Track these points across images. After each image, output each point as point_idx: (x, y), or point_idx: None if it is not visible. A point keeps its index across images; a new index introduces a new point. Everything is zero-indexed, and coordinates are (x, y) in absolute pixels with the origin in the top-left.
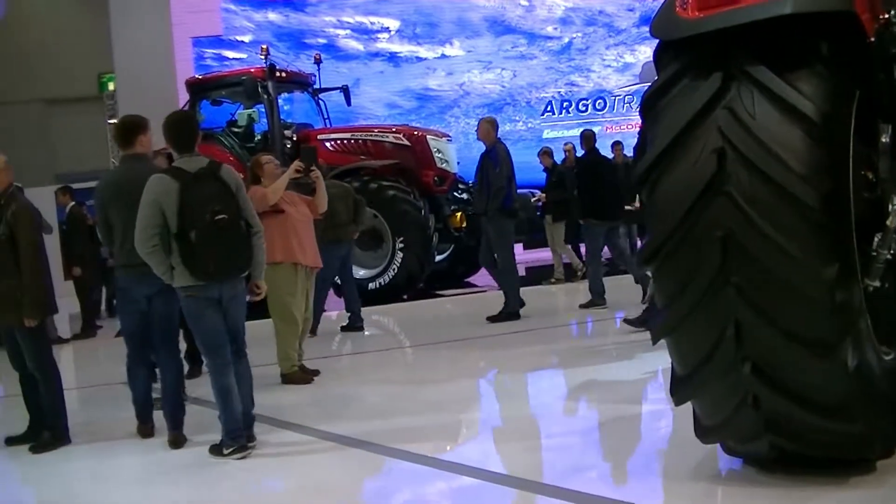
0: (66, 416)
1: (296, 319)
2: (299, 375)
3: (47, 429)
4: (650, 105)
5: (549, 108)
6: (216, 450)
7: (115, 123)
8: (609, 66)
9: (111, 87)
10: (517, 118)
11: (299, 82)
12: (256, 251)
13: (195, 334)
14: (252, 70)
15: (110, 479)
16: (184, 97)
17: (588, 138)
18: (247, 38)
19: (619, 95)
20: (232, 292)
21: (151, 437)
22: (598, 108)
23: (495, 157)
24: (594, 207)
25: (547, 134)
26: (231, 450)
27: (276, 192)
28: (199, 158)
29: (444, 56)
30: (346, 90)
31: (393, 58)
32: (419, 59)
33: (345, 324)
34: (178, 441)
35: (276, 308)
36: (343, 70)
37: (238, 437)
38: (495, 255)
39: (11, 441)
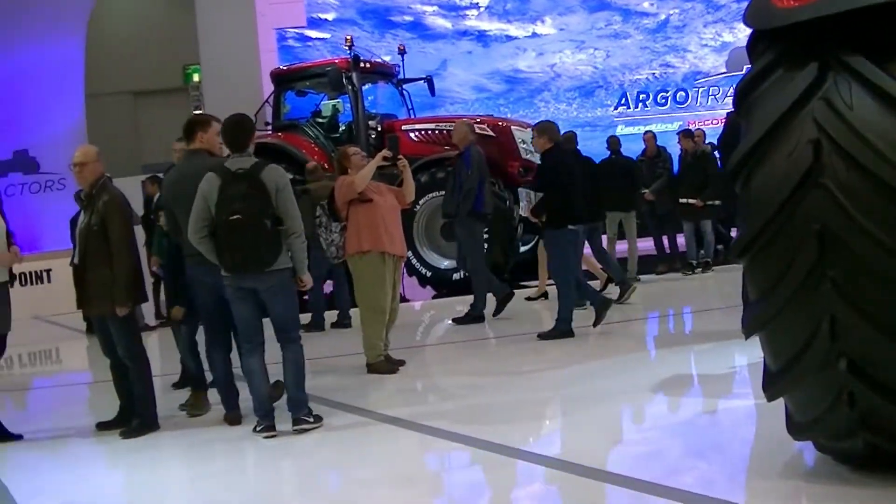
0: (155, 403)
1: (383, 309)
2: (384, 365)
3: (137, 415)
4: (744, 95)
5: (623, 101)
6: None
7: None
8: (706, 45)
9: (196, 78)
10: (609, 102)
11: (383, 73)
12: (294, 250)
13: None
14: (337, 61)
15: (197, 466)
16: (268, 88)
17: (570, 140)
18: (330, 17)
19: (703, 87)
20: (266, 285)
21: (238, 424)
22: (678, 100)
23: (468, 159)
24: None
25: (621, 130)
26: (260, 428)
27: (362, 180)
28: (247, 159)
29: (534, 35)
30: (430, 81)
31: (482, 37)
32: (509, 38)
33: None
34: (232, 420)
35: (363, 297)
36: (430, 51)
37: (265, 415)
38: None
39: (102, 426)
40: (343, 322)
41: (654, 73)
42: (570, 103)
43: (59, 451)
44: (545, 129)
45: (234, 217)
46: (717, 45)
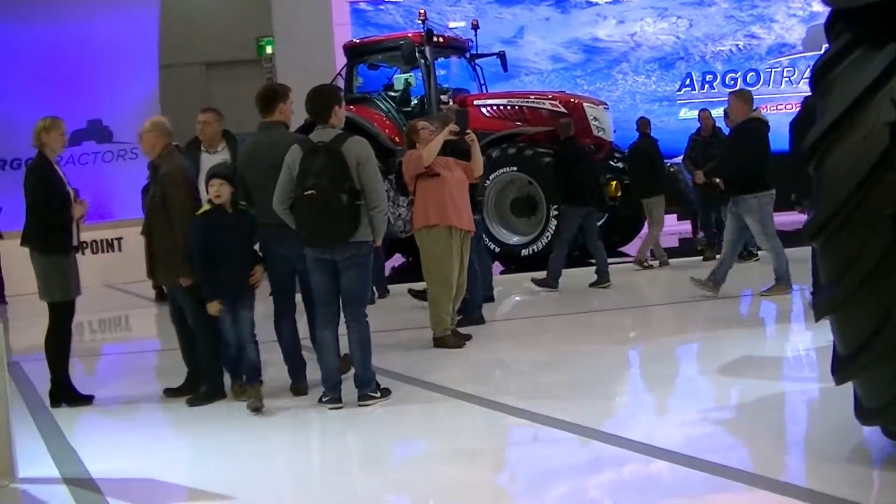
0: (222, 371)
1: (451, 283)
2: (451, 340)
3: (203, 383)
4: (821, 76)
5: (688, 83)
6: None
7: (259, 90)
8: (794, 14)
9: (269, 50)
10: (695, 73)
11: (456, 47)
12: (375, 223)
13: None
14: (410, 34)
15: (262, 436)
16: (341, 61)
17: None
18: None
19: (777, 68)
20: (344, 257)
21: (305, 394)
22: (749, 81)
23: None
24: (572, 193)
25: (684, 114)
26: (326, 399)
27: (430, 154)
28: (330, 131)
29: (616, 1)
30: (502, 56)
31: (561, 2)
32: (589, 3)
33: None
34: (298, 391)
35: (430, 271)
36: (507, 16)
37: (332, 387)
38: None
39: (170, 393)
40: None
41: (738, 45)
42: (650, 76)
43: (128, 417)
44: (748, 97)
45: (309, 192)
46: (804, 16)
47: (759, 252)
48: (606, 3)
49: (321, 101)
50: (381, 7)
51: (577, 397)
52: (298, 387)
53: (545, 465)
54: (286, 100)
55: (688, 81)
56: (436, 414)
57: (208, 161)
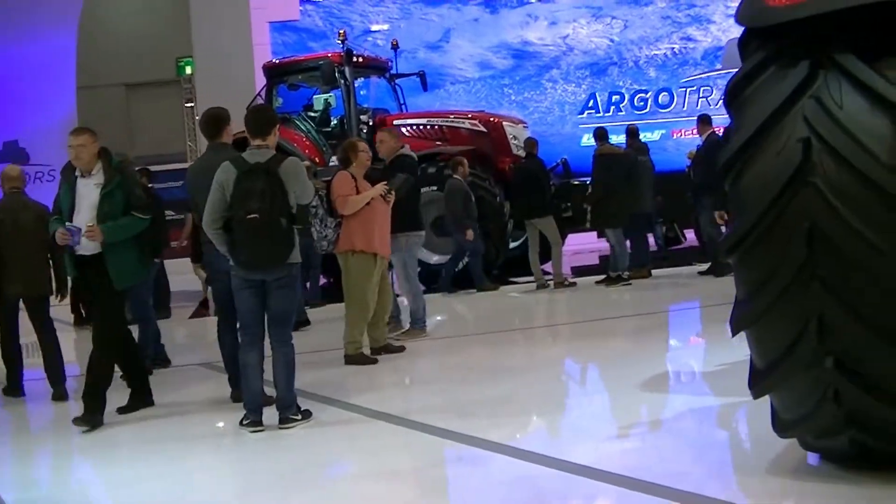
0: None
1: (369, 307)
2: (362, 357)
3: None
4: (735, 93)
5: (591, 105)
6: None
7: (203, 115)
8: (732, 15)
9: (189, 70)
10: (621, 83)
11: (376, 67)
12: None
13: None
14: (329, 55)
15: (180, 460)
16: (261, 81)
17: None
18: None
19: (692, 87)
20: (275, 277)
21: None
22: (661, 103)
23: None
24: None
25: (585, 141)
26: (247, 422)
27: (355, 206)
28: (266, 151)
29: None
30: (422, 76)
31: (490, 2)
32: (520, 2)
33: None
34: (239, 397)
35: (351, 293)
36: (433, 17)
37: (254, 410)
38: None
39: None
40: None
41: (673, 48)
42: (580, 83)
43: (43, 444)
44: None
45: (252, 216)
46: None
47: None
48: (538, 1)
49: (264, 118)
50: (302, 8)
51: (499, 415)
52: (238, 394)
53: (467, 483)
54: (230, 122)
55: (591, 103)
56: (357, 434)
57: (86, 186)
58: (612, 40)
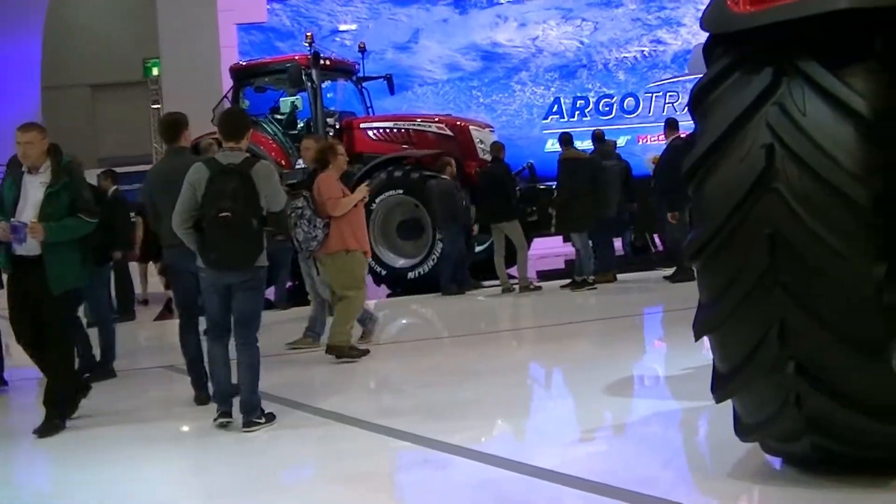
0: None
1: (361, 302)
2: (351, 351)
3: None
4: (699, 99)
5: (556, 110)
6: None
7: (161, 120)
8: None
9: (155, 72)
10: (590, 86)
11: (343, 70)
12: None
13: (205, 306)
14: (296, 57)
15: (146, 464)
16: (228, 83)
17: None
18: None
19: (658, 93)
20: (241, 280)
21: (207, 404)
22: (626, 109)
23: None
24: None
25: (550, 146)
26: (217, 414)
27: (344, 207)
28: (238, 154)
29: (518, 1)
30: (389, 79)
31: (459, 2)
32: (490, 2)
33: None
34: (202, 400)
35: (349, 290)
36: (401, 18)
37: (223, 400)
38: None
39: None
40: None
41: (643, 51)
42: (549, 86)
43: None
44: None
45: (224, 215)
46: None
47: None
48: (508, 1)
49: (239, 121)
50: (269, 7)
51: (465, 419)
52: (201, 396)
53: (433, 487)
54: (188, 127)
55: (556, 108)
56: (323, 437)
57: (31, 183)
58: (581, 42)
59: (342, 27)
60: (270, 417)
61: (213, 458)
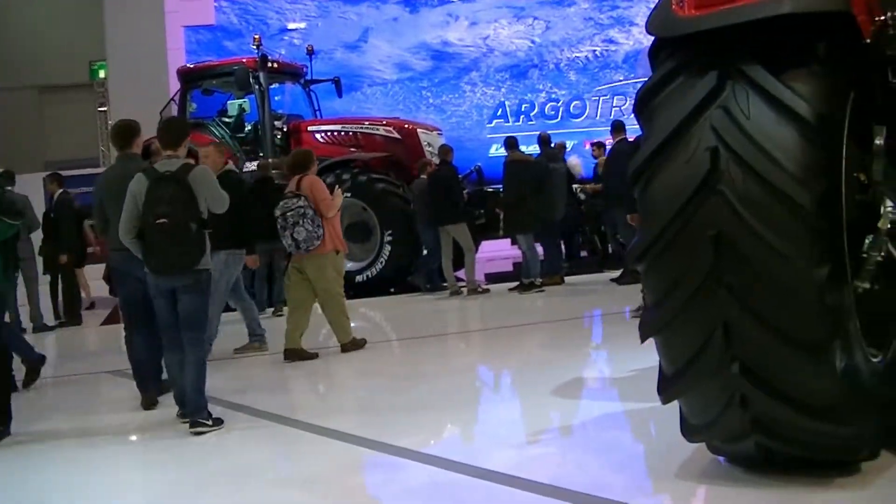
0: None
1: (344, 299)
2: (359, 341)
3: None
4: (644, 103)
5: (500, 113)
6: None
7: (114, 126)
8: None
9: (102, 74)
10: (541, 86)
11: (291, 73)
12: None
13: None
14: (244, 60)
15: (90, 469)
16: (175, 86)
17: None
18: None
19: (605, 96)
20: (184, 283)
21: (154, 407)
22: (573, 112)
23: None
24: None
25: (494, 151)
26: (180, 414)
27: (335, 210)
28: (175, 161)
29: None
30: (337, 82)
31: (410, 0)
32: (442, 0)
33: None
34: (148, 403)
35: (333, 290)
36: (351, 16)
37: (185, 406)
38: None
39: None
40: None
41: (595, 50)
42: (500, 87)
43: None
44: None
45: (161, 220)
46: None
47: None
48: (459, 1)
49: (177, 131)
50: (217, 4)
51: (414, 422)
52: (146, 399)
53: (382, 490)
54: (140, 133)
55: (500, 112)
56: (272, 441)
57: None
58: (533, 42)
59: (291, 25)
60: (218, 422)
61: (159, 462)
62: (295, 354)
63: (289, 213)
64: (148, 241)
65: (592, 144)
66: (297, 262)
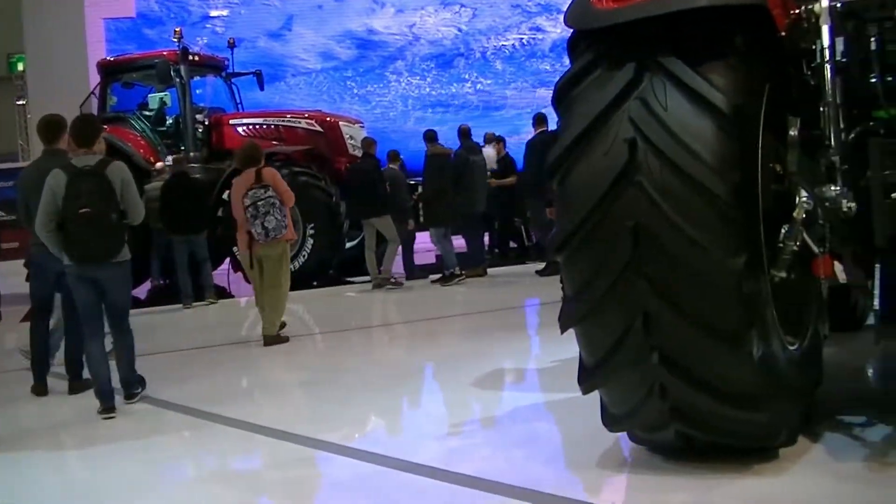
0: None
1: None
2: (282, 337)
3: None
4: (563, 94)
5: (421, 106)
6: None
7: (41, 121)
8: None
9: (20, 67)
10: (467, 76)
11: (213, 66)
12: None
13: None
14: (165, 53)
15: (12, 458)
16: (95, 79)
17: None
18: None
19: (529, 87)
20: (108, 274)
21: (45, 395)
22: (495, 106)
23: None
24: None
25: (414, 146)
26: (102, 409)
27: (293, 200)
28: (93, 156)
29: None
30: (259, 75)
31: None
32: None
33: None
34: (73, 389)
35: (284, 278)
36: (275, 3)
37: (106, 397)
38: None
39: None
40: None
41: (521, 39)
42: (425, 76)
43: None
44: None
45: (84, 210)
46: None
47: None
48: None
49: (90, 128)
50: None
51: (339, 416)
52: (39, 388)
53: (309, 485)
54: (67, 129)
55: (420, 105)
56: (197, 437)
57: None
58: (459, 29)
59: (213, 13)
60: (143, 381)
61: (87, 459)
62: (275, 340)
63: (259, 203)
64: (70, 232)
65: (491, 138)
66: (258, 250)
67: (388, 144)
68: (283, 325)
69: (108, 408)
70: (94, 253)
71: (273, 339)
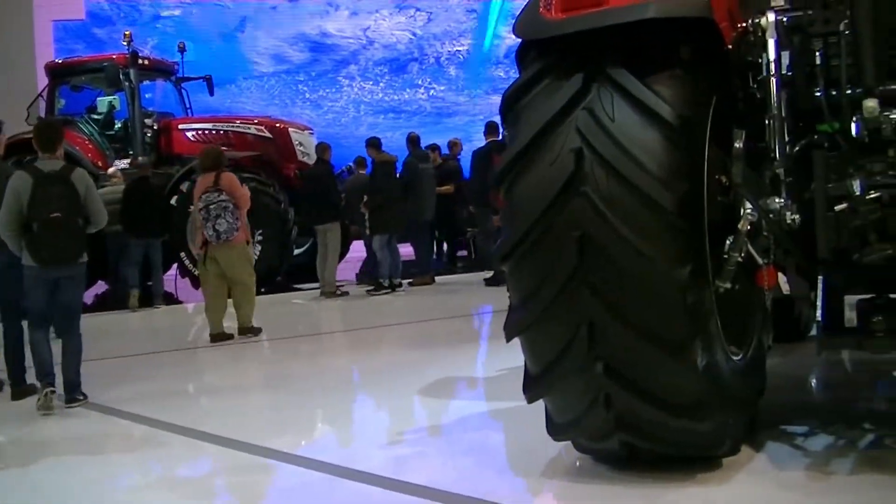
0: None
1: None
2: (255, 329)
3: None
4: (510, 104)
5: (373, 112)
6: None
7: None
8: None
9: None
10: (420, 81)
11: (162, 70)
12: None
13: (28, 300)
14: (114, 56)
15: None
16: (43, 81)
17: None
18: None
19: (482, 94)
20: (67, 274)
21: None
22: (448, 112)
23: None
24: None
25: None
26: (38, 392)
27: (248, 204)
28: (56, 162)
29: None
30: (209, 80)
31: None
32: None
33: None
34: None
35: (247, 279)
36: (228, 4)
37: (47, 375)
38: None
39: None
40: None
41: (476, 44)
42: (378, 81)
43: None
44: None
45: (55, 215)
46: None
47: None
48: None
49: (53, 135)
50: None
51: (283, 423)
52: (20, 390)
53: (253, 492)
54: (1, 130)
55: (372, 112)
56: (140, 444)
57: None
58: (414, 34)
59: (164, 13)
60: (85, 396)
61: (30, 468)
62: (221, 337)
63: (212, 206)
64: (38, 235)
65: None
66: (213, 252)
67: (339, 151)
68: (231, 336)
69: (50, 382)
70: (62, 256)
71: (247, 329)
